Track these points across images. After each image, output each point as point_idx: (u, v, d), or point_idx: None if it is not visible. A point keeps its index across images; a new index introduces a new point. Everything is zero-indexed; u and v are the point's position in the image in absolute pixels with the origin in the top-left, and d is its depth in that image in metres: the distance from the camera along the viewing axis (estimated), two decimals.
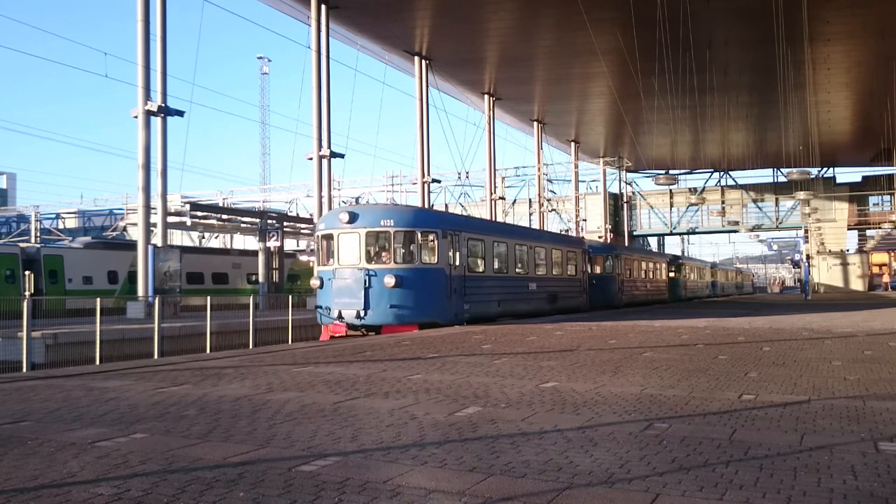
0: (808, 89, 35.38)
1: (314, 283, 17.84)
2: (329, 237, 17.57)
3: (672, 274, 45.70)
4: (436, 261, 17.75)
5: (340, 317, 16.90)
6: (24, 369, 14.04)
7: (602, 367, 9.33)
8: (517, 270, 22.79)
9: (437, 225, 18.06)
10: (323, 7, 28.48)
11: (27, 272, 15.79)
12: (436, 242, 17.70)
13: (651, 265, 40.86)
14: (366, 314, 16.78)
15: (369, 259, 17.13)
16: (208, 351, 16.97)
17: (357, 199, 18.70)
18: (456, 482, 4.06)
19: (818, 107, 41.13)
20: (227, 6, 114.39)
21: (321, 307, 17.55)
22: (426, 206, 35.26)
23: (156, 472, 4.29)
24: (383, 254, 17.32)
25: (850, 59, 35.42)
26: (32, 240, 49.58)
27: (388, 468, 4.36)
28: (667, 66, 30.99)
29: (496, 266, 21.40)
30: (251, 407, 6.46)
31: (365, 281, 16.76)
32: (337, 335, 16.84)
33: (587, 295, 28.85)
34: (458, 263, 18.57)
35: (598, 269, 32.12)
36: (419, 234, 17.42)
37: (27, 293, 14.89)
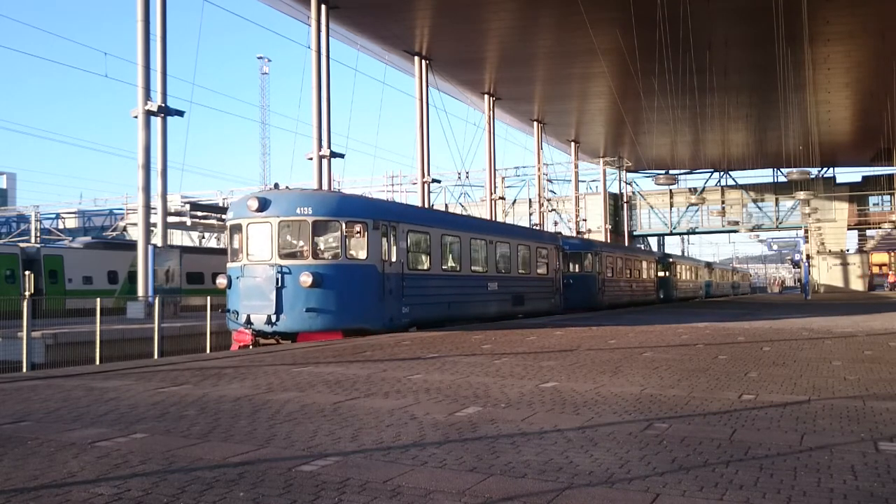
0: (808, 89, 35.38)
1: (220, 281, 15.32)
2: (237, 228, 15.11)
3: (661, 273, 43.90)
4: (365, 256, 15.31)
5: (249, 322, 14.48)
6: (24, 369, 14.04)
7: (602, 367, 9.33)
8: (474, 268, 20.31)
9: (367, 214, 15.61)
10: (323, 7, 28.48)
11: (27, 272, 15.74)
12: (365, 234, 15.26)
13: (637, 264, 38.96)
14: (278, 319, 14.34)
15: (283, 254, 14.67)
16: (208, 351, 16.96)
17: (276, 185, 16.21)
18: (456, 482, 4.06)
19: (818, 107, 41.13)
20: (227, 6, 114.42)
21: (229, 311, 15.14)
22: (427, 205, 35.10)
23: (156, 472, 4.29)
24: (300, 248, 14.90)
25: (850, 59, 35.43)
26: (32, 240, 49.57)
27: (388, 468, 4.36)
28: (667, 67, 30.99)
29: (446, 263, 18.98)
30: (251, 407, 6.47)
31: (277, 280, 14.36)
32: (243, 344, 14.50)
33: (561, 296, 26.46)
34: (394, 259, 16.16)
35: (575, 268, 30.20)
36: (344, 225, 14.90)
37: (27, 293, 14.87)
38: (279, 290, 14.36)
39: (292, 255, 14.74)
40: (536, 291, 24.51)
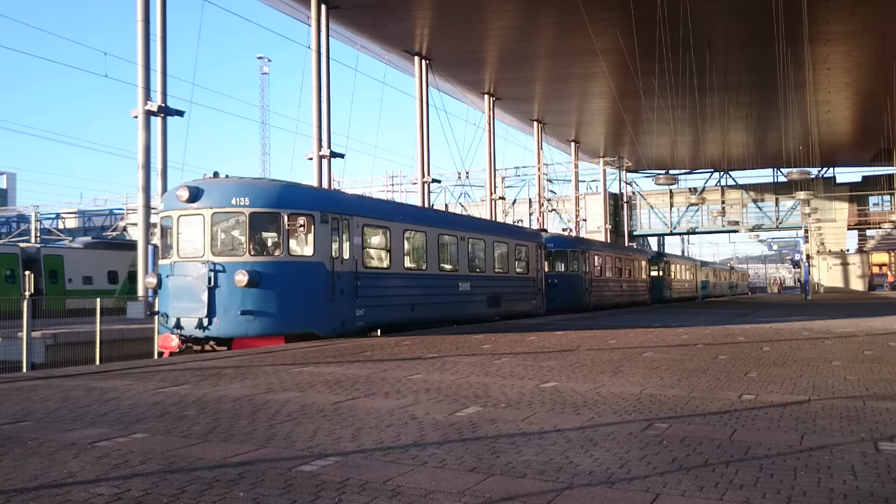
0: (808, 89, 35.38)
1: (149, 281, 14.06)
2: (168, 221, 13.74)
3: (654, 273, 42.89)
4: (311, 252, 13.93)
5: (179, 326, 13.15)
6: (24, 369, 14.06)
7: (602, 366, 9.33)
8: (442, 266, 18.76)
9: (314, 206, 14.10)
10: (323, 7, 28.48)
11: (27, 272, 15.77)
12: (311, 228, 13.81)
13: (628, 263, 37.68)
14: (210, 323, 12.93)
15: (217, 250, 13.23)
16: None
17: (216, 173, 14.36)
18: (456, 482, 4.06)
19: (818, 107, 41.14)
20: (227, 6, 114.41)
21: (159, 313, 13.90)
22: (426, 205, 35.00)
23: (156, 472, 4.29)
24: (236, 243, 13.48)
25: (850, 59, 35.43)
26: (32, 240, 49.61)
27: (388, 468, 4.36)
28: (667, 66, 31.00)
29: (409, 261, 17.58)
30: (251, 407, 6.47)
31: (209, 279, 12.95)
32: (169, 351, 13.11)
33: (542, 297, 24.95)
34: (347, 256, 14.76)
35: (559, 267, 29.25)
36: (286, 218, 13.48)
37: (27, 293, 14.89)
38: (212, 291, 12.98)
39: (227, 252, 13.35)
40: (515, 292, 22.99)
